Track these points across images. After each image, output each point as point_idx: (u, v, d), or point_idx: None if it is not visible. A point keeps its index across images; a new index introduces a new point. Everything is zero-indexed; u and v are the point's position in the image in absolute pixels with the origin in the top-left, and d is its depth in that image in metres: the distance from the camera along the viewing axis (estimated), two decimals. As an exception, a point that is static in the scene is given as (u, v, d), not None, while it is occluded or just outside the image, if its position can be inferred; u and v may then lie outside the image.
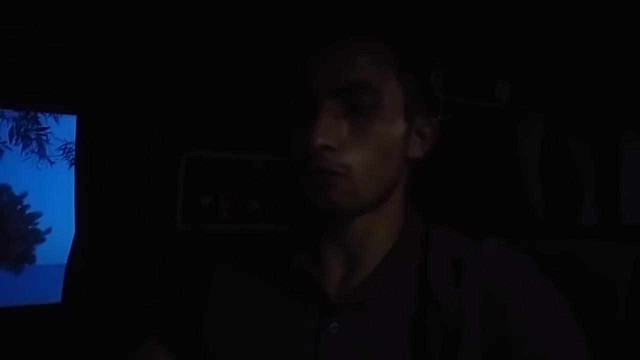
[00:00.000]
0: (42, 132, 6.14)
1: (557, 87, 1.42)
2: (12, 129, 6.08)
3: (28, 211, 17.94)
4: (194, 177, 1.46)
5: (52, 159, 6.34)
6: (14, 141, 6.17)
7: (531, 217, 0.82)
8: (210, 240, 1.47)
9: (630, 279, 0.69)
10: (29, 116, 5.99)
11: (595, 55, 1.39)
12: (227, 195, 1.48)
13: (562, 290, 0.66)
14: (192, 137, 1.46)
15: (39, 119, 6.07)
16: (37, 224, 17.89)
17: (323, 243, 0.72)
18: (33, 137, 6.13)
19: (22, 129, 6.09)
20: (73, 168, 1.41)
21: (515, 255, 0.69)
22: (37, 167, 6.33)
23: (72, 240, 1.40)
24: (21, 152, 6.24)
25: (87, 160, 1.38)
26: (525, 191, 0.81)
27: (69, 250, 1.39)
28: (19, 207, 17.80)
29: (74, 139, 1.41)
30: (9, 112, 5.88)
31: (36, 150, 6.21)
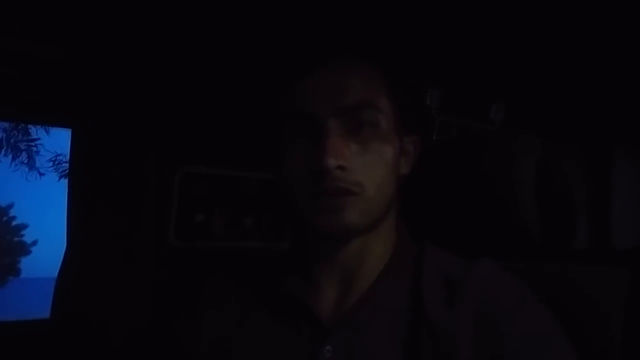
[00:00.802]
0: (33, 144, 6.08)
1: (550, 110, 1.44)
2: (1, 139, 6.03)
3: (14, 223, 17.73)
4: (189, 192, 1.45)
5: (42, 171, 6.28)
6: (3, 152, 6.11)
7: (526, 240, 0.82)
8: (204, 257, 1.46)
9: (624, 302, 0.69)
10: (19, 127, 5.95)
11: (588, 79, 1.41)
12: (221, 211, 1.47)
13: (556, 312, 0.66)
14: (188, 152, 1.46)
15: (30, 130, 6.02)
16: (23, 235, 17.67)
17: (316, 265, 0.71)
18: (23, 148, 6.08)
19: (12, 140, 6.04)
20: (62, 180, 1.41)
21: (509, 277, 0.69)
22: (26, 178, 6.27)
23: (62, 254, 1.38)
24: (10, 163, 6.17)
25: (80, 174, 1.37)
26: (521, 213, 0.82)
27: (57, 264, 1.37)
28: (5, 218, 17.58)
29: (64, 151, 1.41)
30: (-1, 123, 5.83)
31: (26, 161, 6.15)
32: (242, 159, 1.50)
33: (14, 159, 6.16)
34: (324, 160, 0.62)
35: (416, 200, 0.84)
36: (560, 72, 1.42)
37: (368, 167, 0.65)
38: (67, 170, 1.49)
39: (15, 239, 17.48)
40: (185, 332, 0.74)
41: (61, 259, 1.38)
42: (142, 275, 1.39)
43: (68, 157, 1.47)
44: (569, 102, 1.47)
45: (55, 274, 1.39)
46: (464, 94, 1.38)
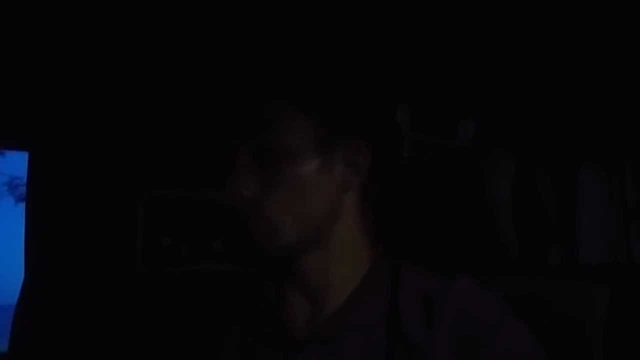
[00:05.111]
0: (-13, 168, 5.85)
1: (518, 125, 1.46)
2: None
3: (-32, 246, 17.08)
4: (154, 216, 1.41)
5: (-3, 195, 6.02)
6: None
7: (503, 257, 0.82)
8: (172, 282, 1.41)
9: (605, 319, 0.69)
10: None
11: (552, 93, 1.44)
12: (188, 235, 1.43)
13: (534, 330, 0.65)
14: (152, 174, 1.42)
15: (-18, 154, 5.77)
16: (-23, 260, 17.01)
17: (284, 281, 0.71)
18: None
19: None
20: (20, 204, 1.35)
21: (488, 296, 0.68)
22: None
23: (19, 281, 1.31)
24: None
25: (39, 199, 1.31)
26: (498, 231, 0.81)
27: (13, 291, 1.31)
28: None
29: (21, 174, 1.35)
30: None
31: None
32: (209, 180, 1.46)
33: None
34: (223, 196, 0.65)
35: (393, 219, 0.83)
36: (526, 86, 1.44)
37: (274, 192, 0.66)
38: (25, 195, 1.43)
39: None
40: (168, 351, 0.74)
41: (19, 287, 1.32)
42: (107, 302, 1.33)
43: (25, 180, 1.40)
44: (536, 117, 1.49)
45: (12, 301, 1.32)
46: (433, 111, 1.38)
